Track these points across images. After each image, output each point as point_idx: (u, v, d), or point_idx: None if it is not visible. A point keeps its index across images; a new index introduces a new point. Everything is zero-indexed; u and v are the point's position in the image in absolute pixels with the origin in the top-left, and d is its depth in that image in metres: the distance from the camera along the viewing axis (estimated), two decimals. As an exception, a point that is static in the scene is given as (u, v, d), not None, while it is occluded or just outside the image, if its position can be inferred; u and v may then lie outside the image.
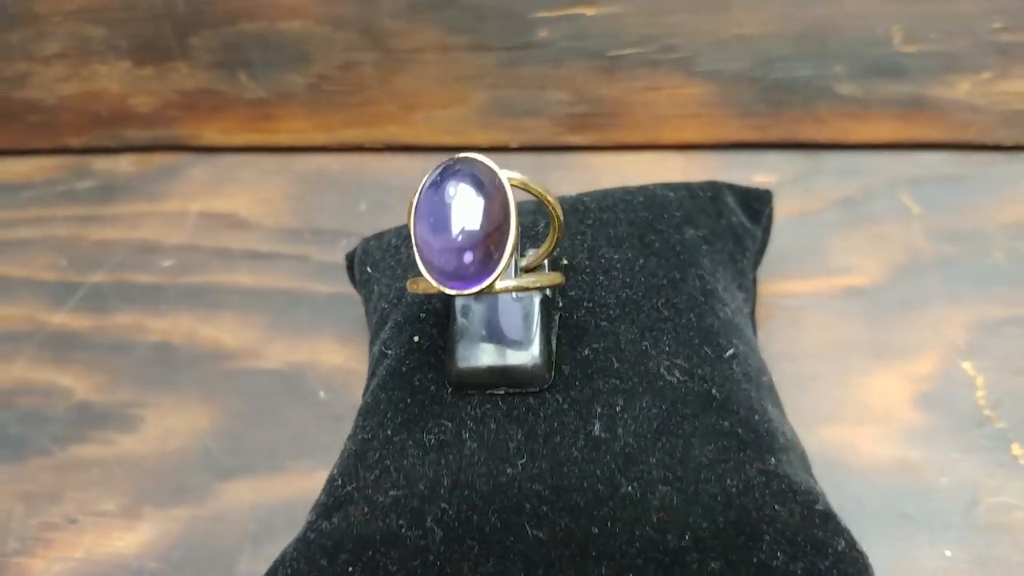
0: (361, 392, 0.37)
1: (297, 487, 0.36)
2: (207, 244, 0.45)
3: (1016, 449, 0.34)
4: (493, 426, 0.27)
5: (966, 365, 0.36)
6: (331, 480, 0.28)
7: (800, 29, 0.40)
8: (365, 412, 0.29)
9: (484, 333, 0.27)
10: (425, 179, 0.26)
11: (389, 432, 0.28)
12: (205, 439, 0.38)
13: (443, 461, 0.27)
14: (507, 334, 0.27)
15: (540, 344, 0.27)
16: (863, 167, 0.42)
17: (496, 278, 0.24)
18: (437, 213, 0.25)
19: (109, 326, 0.42)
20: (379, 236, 0.36)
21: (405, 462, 0.27)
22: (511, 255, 0.24)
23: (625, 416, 0.26)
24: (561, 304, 0.29)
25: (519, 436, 0.26)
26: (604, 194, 0.33)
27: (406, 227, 0.35)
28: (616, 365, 0.27)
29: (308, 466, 0.37)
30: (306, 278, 0.43)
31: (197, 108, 0.46)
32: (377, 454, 0.27)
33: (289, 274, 0.43)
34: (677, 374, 0.27)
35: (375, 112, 0.45)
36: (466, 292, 0.25)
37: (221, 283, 0.43)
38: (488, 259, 0.24)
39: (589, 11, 0.41)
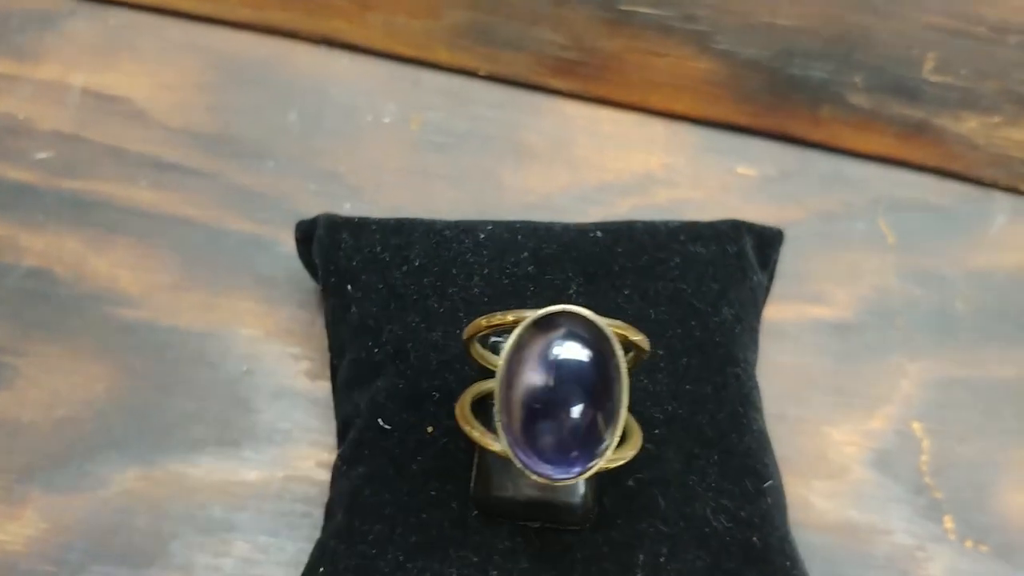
0: (290, 377, 0.33)
1: (218, 478, 0.32)
2: (95, 137, 0.36)
3: (948, 522, 0.35)
4: (525, 565, 0.24)
5: (916, 426, 0.36)
6: None
7: (836, 32, 0.36)
8: (362, 512, 0.25)
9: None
10: (518, 330, 0.21)
11: (401, 557, 0.24)
12: (102, 407, 0.33)
13: (463, 603, 0.24)
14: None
15: (587, 480, 0.24)
16: (848, 176, 0.40)
17: (598, 466, 0.21)
18: (538, 381, 0.21)
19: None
20: (352, 228, 0.30)
21: (418, 599, 0.24)
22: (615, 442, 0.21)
23: (669, 568, 0.24)
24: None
25: (553, 579, 0.24)
26: (637, 247, 0.29)
27: (392, 221, 0.30)
28: (662, 504, 0.25)
29: (228, 453, 0.32)
30: (224, 207, 0.36)
31: (91, -52, 0.36)
32: (384, 581, 0.24)
33: (203, 199, 0.36)
34: (723, 520, 0.25)
35: (322, 1, 0.37)
36: (560, 479, 0.21)
37: (116, 197, 0.35)
38: (593, 441, 0.21)
39: (615, -43, 0.35)
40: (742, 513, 0.26)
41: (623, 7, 0.36)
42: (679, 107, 0.39)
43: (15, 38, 0.37)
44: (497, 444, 0.22)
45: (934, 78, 0.37)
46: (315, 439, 0.33)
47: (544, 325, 0.21)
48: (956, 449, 0.36)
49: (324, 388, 0.33)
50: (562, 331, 0.21)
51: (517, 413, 0.21)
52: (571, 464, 0.21)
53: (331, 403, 0.33)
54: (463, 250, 0.28)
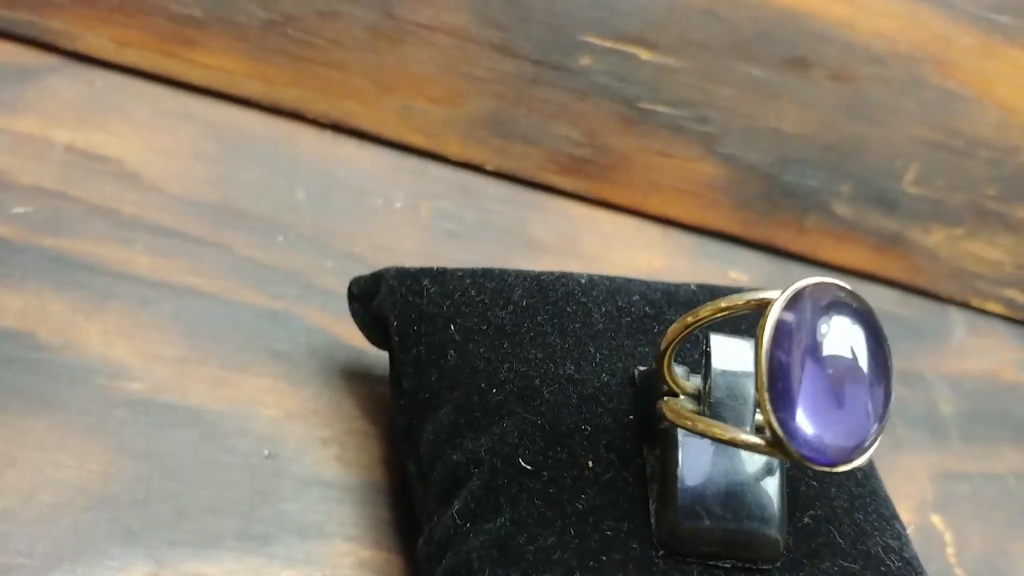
0: (319, 463, 0.29)
1: (241, 582, 0.27)
2: (82, 195, 0.32)
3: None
4: (722, 609, 0.21)
5: (935, 519, 0.37)
6: None
7: (832, 140, 0.38)
8: (518, 556, 0.21)
9: (719, 489, 0.21)
10: (804, 309, 0.20)
11: (583, 600, 0.21)
12: (98, 493, 0.27)
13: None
14: (749, 492, 0.22)
15: (781, 509, 0.22)
16: (826, 287, 0.42)
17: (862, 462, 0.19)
18: (829, 366, 0.19)
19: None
20: (434, 277, 0.27)
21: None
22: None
23: (859, 610, 0.22)
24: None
25: (751, 625, 0.21)
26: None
27: (476, 269, 0.27)
28: (840, 542, 0.23)
29: (252, 549, 0.27)
30: (232, 278, 0.32)
31: (95, 1, 0.33)
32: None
33: (208, 268, 0.32)
34: (894, 559, 0.24)
35: (339, 80, 0.35)
36: (833, 469, 0.19)
37: (108, 260, 0.31)
38: (874, 418, 0.19)
39: (644, 54, 0.36)
40: (905, 553, 0.24)
41: (643, 105, 0.37)
42: (677, 211, 0.39)
43: (-10, 87, 0.33)
44: (757, 439, 0.19)
45: (912, 189, 0.39)
46: (352, 533, 0.28)
47: (796, 301, 0.20)
48: (977, 538, 0.37)
49: (359, 475, 0.29)
50: (825, 303, 0.19)
51: (794, 399, 0.19)
52: (850, 447, 0.19)
53: (367, 492, 0.29)
54: (571, 291, 0.26)
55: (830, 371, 0.19)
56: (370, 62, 0.35)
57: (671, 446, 0.22)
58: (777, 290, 0.20)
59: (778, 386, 0.19)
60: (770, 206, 0.40)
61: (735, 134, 0.38)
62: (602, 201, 0.39)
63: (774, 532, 0.22)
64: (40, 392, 0.28)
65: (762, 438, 0.20)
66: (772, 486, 0.22)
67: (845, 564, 0.23)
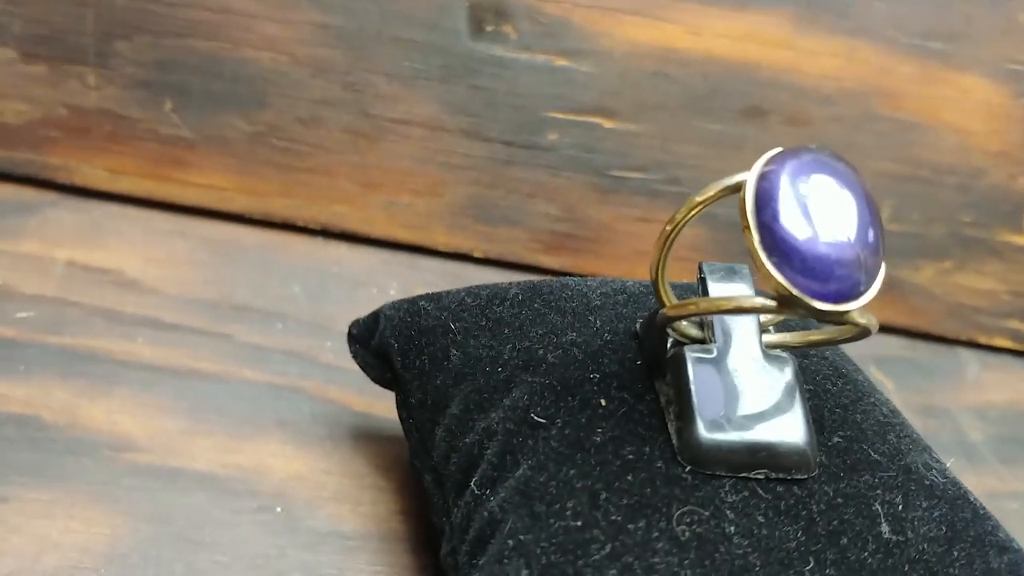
0: (333, 520, 0.28)
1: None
2: (82, 300, 0.33)
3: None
4: (761, 519, 0.20)
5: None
6: None
7: (802, 186, 0.39)
8: (543, 493, 0.20)
9: (735, 402, 0.21)
10: (776, 168, 0.20)
11: (617, 517, 0.20)
12: (106, 556, 0.26)
13: (709, 563, 0.19)
14: (767, 405, 0.21)
15: (806, 420, 0.21)
16: (829, 338, 0.42)
17: (868, 299, 0.19)
18: (810, 209, 0.19)
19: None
20: (430, 298, 0.28)
21: (656, 561, 0.19)
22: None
23: (910, 516, 0.21)
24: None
25: (797, 535, 0.20)
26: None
27: (469, 290, 0.28)
28: (876, 458, 0.22)
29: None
30: (235, 361, 0.32)
31: (88, 133, 0.35)
32: (608, 547, 0.19)
33: (211, 354, 0.32)
34: (936, 476, 0.23)
35: (325, 184, 0.37)
36: (841, 308, 0.19)
37: (110, 352, 0.31)
38: (863, 277, 0.19)
39: (607, 123, 0.38)
40: (949, 475, 0.23)
41: (614, 172, 0.38)
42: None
43: (-6, 217, 0.34)
44: (763, 298, 0.19)
45: (891, 226, 0.40)
46: (373, 580, 0.27)
47: (779, 161, 0.20)
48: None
49: (377, 526, 0.28)
50: (808, 159, 0.20)
51: (793, 243, 0.19)
52: (855, 288, 0.19)
53: (386, 541, 0.28)
54: (566, 283, 0.27)
55: (815, 214, 0.19)
56: (353, 162, 0.37)
57: (681, 366, 0.22)
58: (745, 172, 0.21)
59: (767, 242, 0.19)
60: (751, 262, 0.40)
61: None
62: (591, 275, 0.40)
63: (801, 440, 0.21)
64: (45, 466, 0.27)
65: (766, 296, 0.20)
66: (791, 397, 0.22)
67: (886, 476, 0.22)
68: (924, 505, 0.22)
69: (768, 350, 0.22)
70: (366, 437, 0.31)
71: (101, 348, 0.31)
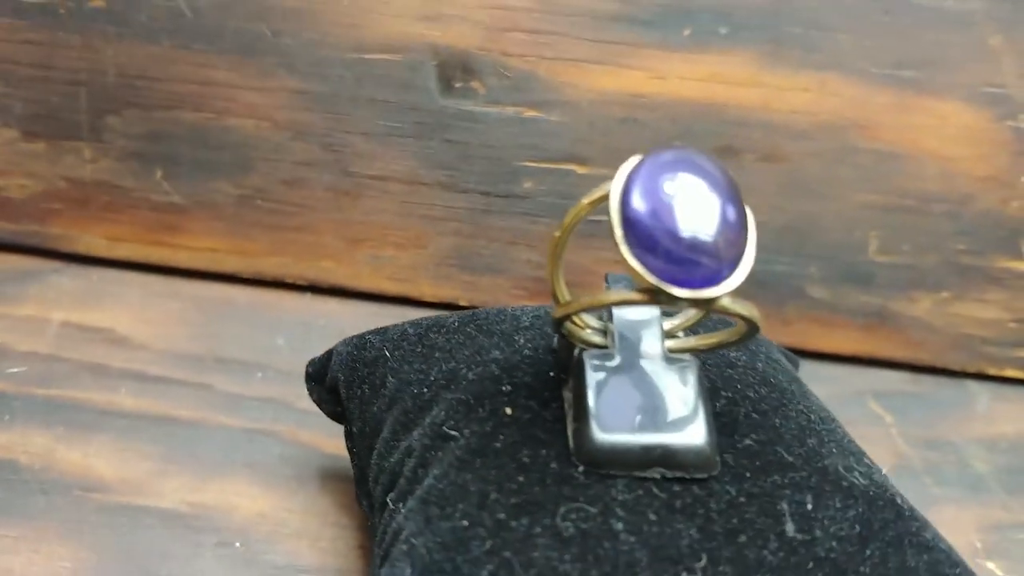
0: (296, 555, 0.28)
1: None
2: (73, 356, 0.35)
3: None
4: (653, 517, 0.20)
5: (991, 565, 0.33)
6: None
7: (785, 222, 0.39)
8: (439, 499, 0.21)
9: (632, 403, 0.21)
10: (639, 167, 0.21)
11: (501, 515, 0.20)
12: (66, 590, 0.27)
13: (591, 557, 0.19)
14: (665, 406, 0.21)
15: (706, 421, 0.21)
16: (827, 376, 0.41)
17: (732, 286, 0.19)
18: (669, 200, 0.20)
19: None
20: (378, 331, 0.29)
21: (535, 555, 0.19)
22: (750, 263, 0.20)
23: (820, 516, 0.21)
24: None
25: (691, 532, 0.20)
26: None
27: (414, 321, 0.29)
28: (789, 459, 0.22)
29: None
30: (210, 409, 0.33)
31: (87, 204, 0.38)
32: (488, 543, 0.19)
33: (188, 403, 0.33)
34: (859, 477, 0.22)
35: (312, 242, 0.39)
36: (704, 296, 0.19)
37: (92, 401, 0.33)
38: (726, 264, 0.19)
39: (581, 169, 0.39)
40: (876, 477, 0.23)
41: (591, 217, 0.39)
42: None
43: (-3, 285, 0.37)
44: (637, 293, 0.20)
45: (880, 258, 0.40)
46: (328, 612, 0.27)
47: (642, 161, 0.21)
48: (1040, 583, 0.33)
49: (335, 561, 0.29)
50: (669, 157, 0.20)
51: (652, 233, 0.19)
52: (719, 275, 0.19)
53: (343, 574, 0.28)
54: (503, 309, 0.27)
55: (695, 195, 0.20)
56: (337, 219, 0.39)
57: (580, 370, 0.22)
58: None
59: (630, 236, 0.20)
60: (747, 298, 0.40)
61: (689, 232, 0.39)
62: (579, 322, 0.40)
63: (698, 439, 0.21)
64: (14, 505, 0.29)
65: (641, 291, 0.20)
66: (691, 400, 0.22)
67: (797, 476, 0.21)
68: (838, 505, 0.21)
69: (672, 355, 0.22)
70: (333, 477, 0.32)
71: (85, 399, 0.33)
